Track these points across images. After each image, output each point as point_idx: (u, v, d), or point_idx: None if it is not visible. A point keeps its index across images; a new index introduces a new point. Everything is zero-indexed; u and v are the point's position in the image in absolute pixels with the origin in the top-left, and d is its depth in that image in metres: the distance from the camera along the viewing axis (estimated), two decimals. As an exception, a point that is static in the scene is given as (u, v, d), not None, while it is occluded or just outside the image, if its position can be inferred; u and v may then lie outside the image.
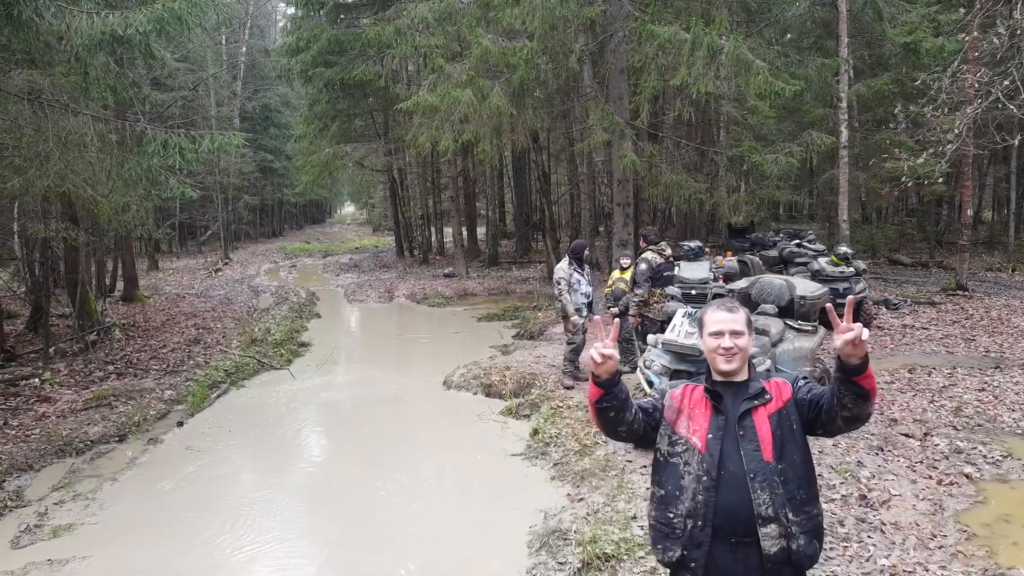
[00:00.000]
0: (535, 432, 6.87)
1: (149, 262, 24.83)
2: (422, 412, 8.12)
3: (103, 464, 6.68)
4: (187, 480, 6.26)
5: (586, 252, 7.93)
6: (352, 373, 10.01)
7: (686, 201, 13.32)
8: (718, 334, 2.25)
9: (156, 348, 10.92)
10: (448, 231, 27.87)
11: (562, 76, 11.99)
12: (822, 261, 11.44)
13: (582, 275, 7.77)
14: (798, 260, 11.85)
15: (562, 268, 7.80)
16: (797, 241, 14.33)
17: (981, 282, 15.58)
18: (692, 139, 16.80)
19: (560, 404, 7.52)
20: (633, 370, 8.41)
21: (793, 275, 11.99)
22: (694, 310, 6.01)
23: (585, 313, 7.76)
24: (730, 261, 11.15)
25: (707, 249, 11.48)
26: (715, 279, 10.06)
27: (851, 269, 11.18)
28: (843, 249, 11.48)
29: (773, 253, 12.85)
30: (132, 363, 9.99)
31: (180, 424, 7.78)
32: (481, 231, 29.17)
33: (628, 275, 8.26)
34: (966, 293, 13.79)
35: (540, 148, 20.39)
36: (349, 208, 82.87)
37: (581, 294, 7.72)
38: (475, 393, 8.63)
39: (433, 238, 28.18)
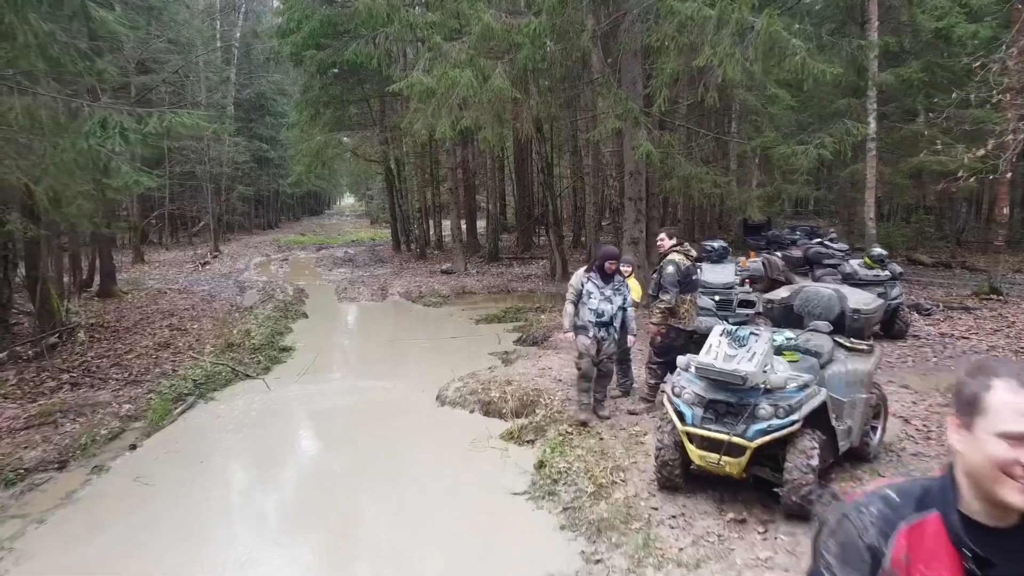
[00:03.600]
0: (541, 465, 5.89)
1: (134, 254, 23.80)
2: (410, 435, 7.12)
3: (34, 499, 5.69)
4: (128, 523, 5.28)
5: (609, 264, 6.42)
6: (335, 384, 9.02)
7: (706, 196, 12.27)
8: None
9: (121, 353, 9.92)
10: (447, 224, 26.85)
11: (572, 56, 10.95)
12: (854, 263, 10.45)
13: (599, 288, 6.45)
14: (826, 262, 10.84)
15: (576, 275, 6.62)
16: (818, 240, 13.35)
17: (1012, 284, 14.57)
18: (706, 129, 15.74)
19: (569, 430, 6.55)
20: (626, 394, 7.41)
21: (820, 278, 11.03)
22: (734, 327, 5.01)
23: (594, 333, 6.47)
24: (755, 262, 10.19)
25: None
26: (741, 283, 9.11)
27: (886, 273, 10.19)
28: (877, 250, 10.46)
29: (797, 253, 11.84)
30: (91, 371, 8.99)
31: (133, 447, 6.79)
32: (481, 224, 28.15)
33: (630, 283, 7.17)
34: (1001, 297, 12.82)
35: (544, 138, 19.33)
36: (349, 200, 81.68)
37: (590, 310, 6.45)
38: (472, 411, 7.64)
39: (431, 232, 27.16)
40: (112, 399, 7.99)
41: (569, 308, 6.52)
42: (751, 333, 4.90)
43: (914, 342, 10.01)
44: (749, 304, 8.58)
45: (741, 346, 4.84)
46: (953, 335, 10.42)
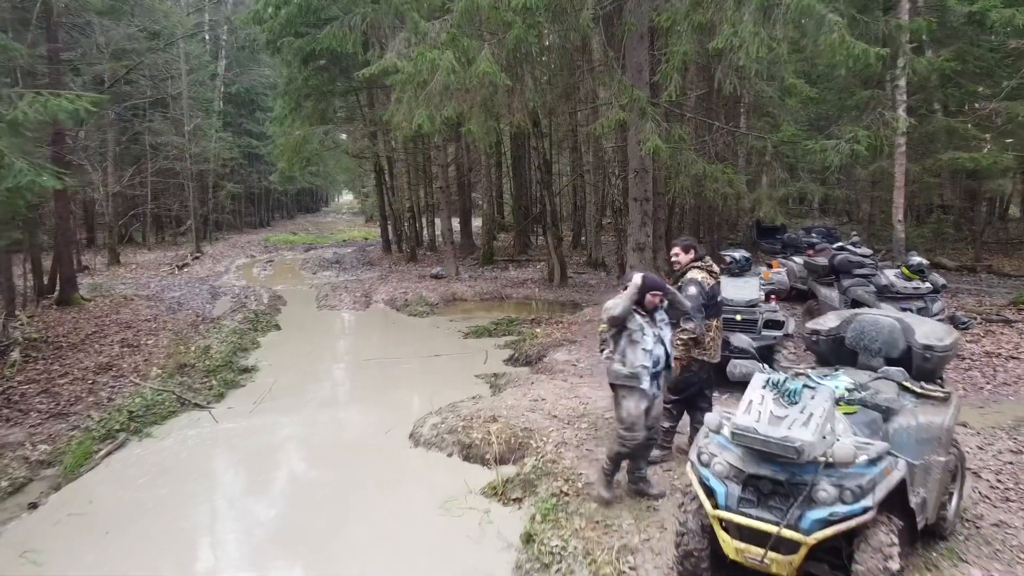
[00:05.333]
0: (528, 539, 4.69)
1: (110, 256, 22.57)
2: (372, 488, 5.90)
3: None
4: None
5: (652, 296, 4.70)
6: (293, 415, 7.76)
7: (720, 196, 11.04)
8: None
9: (54, 376, 8.69)
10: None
11: (570, 39, 9.72)
12: (890, 273, 9.20)
13: (652, 325, 4.73)
14: (857, 271, 9.57)
15: (620, 301, 4.63)
16: (840, 244, 12.11)
17: (1051, 292, 13.34)
18: (718, 123, 14.48)
19: (565, 486, 5.33)
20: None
21: (849, 289, 9.78)
22: (781, 378, 3.78)
23: (652, 390, 4.73)
24: (779, 273, 8.96)
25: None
26: (765, 298, 7.88)
27: (927, 285, 8.96)
28: (916, 259, 9.21)
29: (822, 260, 10.56)
30: (11, 400, 7.77)
31: (33, 506, 5.58)
32: (477, 224, 26.90)
33: None
34: (1042, 307, 11.59)
35: (541, 133, 18.11)
36: (348, 196, 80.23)
37: (644, 351, 4.65)
38: (450, 454, 6.43)
39: (424, 232, 25.91)
40: (27, 438, 6.77)
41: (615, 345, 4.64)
42: (805, 386, 3.68)
43: (958, 363, 8.80)
44: (776, 325, 7.36)
45: (792, 403, 3.62)
46: (999, 354, 9.22)
